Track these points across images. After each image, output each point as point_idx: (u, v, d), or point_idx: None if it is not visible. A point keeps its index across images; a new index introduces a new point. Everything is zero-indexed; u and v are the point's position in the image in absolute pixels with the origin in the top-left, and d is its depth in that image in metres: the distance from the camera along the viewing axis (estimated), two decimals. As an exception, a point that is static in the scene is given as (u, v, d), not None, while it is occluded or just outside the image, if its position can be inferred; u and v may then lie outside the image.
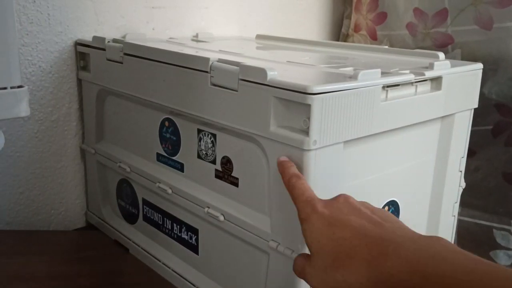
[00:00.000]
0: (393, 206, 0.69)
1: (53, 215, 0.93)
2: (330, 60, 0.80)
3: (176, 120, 0.73)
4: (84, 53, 0.88)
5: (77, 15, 0.88)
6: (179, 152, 0.74)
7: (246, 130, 0.60)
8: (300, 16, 1.27)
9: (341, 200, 0.48)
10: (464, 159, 0.78)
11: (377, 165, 0.65)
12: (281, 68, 0.63)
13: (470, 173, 1.05)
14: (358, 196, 0.63)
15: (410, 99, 0.65)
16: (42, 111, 0.87)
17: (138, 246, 0.82)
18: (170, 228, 0.77)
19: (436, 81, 0.69)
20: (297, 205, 0.49)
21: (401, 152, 0.68)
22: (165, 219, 0.78)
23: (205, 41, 0.95)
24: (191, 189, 0.71)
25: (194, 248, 0.73)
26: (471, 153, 1.01)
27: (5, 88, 0.53)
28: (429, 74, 0.67)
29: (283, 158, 0.55)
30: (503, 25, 0.99)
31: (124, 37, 0.87)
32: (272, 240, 0.60)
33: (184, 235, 0.75)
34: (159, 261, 0.78)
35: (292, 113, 0.56)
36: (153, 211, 0.80)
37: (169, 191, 0.74)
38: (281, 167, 0.55)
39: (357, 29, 1.28)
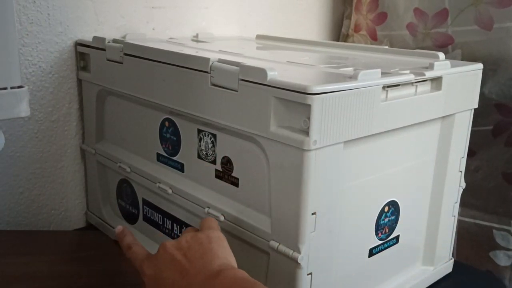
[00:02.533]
0: (393, 206, 0.69)
1: (53, 215, 0.93)
2: (330, 60, 0.80)
3: (176, 120, 0.73)
4: (84, 53, 0.88)
5: (77, 15, 0.88)
6: (179, 152, 0.74)
7: (246, 130, 0.60)
8: (300, 16, 1.27)
9: (159, 254, 0.54)
10: (464, 159, 0.78)
11: (377, 165, 0.65)
12: (281, 68, 0.63)
13: (470, 173, 1.05)
14: (358, 196, 0.63)
15: (410, 99, 0.65)
16: (42, 111, 0.87)
17: (138, 246, 0.82)
18: (170, 228, 0.77)
19: (436, 81, 0.69)
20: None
21: (401, 152, 0.68)
22: (165, 219, 0.78)
23: (205, 41, 0.95)
24: (191, 189, 0.71)
25: (194, 248, 0.73)
26: (471, 153, 1.01)
27: (5, 88, 0.53)
28: (429, 74, 0.67)
29: (118, 230, 0.63)
30: (503, 25, 0.99)
31: (124, 37, 0.87)
32: (273, 240, 0.60)
33: (184, 235, 0.75)
34: (159, 261, 0.78)
35: (292, 113, 0.56)
36: (153, 211, 0.80)
37: (169, 191, 0.74)
38: (118, 240, 0.62)
39: (357, 29, 1.28)
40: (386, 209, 0.68)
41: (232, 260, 0.54)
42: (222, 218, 0.66)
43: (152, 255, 0.56)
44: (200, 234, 0.55)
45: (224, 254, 0.53)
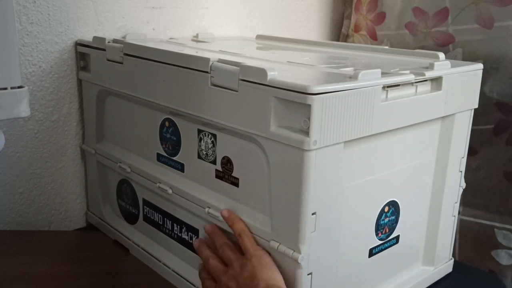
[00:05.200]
0: (393, 206, 0.69)
1: (53, 215, 0.93)
2: (330, 60, 0.80)
3: (176, 120, 0.73)
4: (84, 53, 0.88)
5: (78, 15, 0.88)
6: (180, 152, 0.74)
7: (246, 130, 0.60)
8: (300, 17, 1.27)
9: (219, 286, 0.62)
10: (464, 159, 0.78)
11: (377, 165, 0.65)
12: (281, 68, 0.63)
13: (471, 172, 1.05)
14: (358, 196, 0.63)
15: (410, 99, 0.65)
16: (43, 111, 0.87)
17: (138, 246, 0.82)
18: (170, 228, 0.77)
19: (436, 81, 0.69)
20: None
21: (401, 152, 0.68)
22: (165, 219, 0.78)
23: (205, 41, 0.95)
24: (191, 189, 0.71)
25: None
26: (472, 152, 1.01)
27: (5, 89, 0.53)
28: (429, 74, 0.67)
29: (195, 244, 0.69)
30: (504, 23, 0.98)
31: (124, 37, 0.87)
32: (273, 240, 0.60)
33: (184, 235, 0.75)
34: (159, 261, 0.78)
35: (292, 113, 0.56)
36: (153, 211, 0.80)
37: (170, 191, 0.74)
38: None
39: (357, 29, 1.27)
40: (386, 209, 0.68)
41: (277, 277, 0.58)
42: (222, 218, 0.66)
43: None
44: (246, 261, 0.60)
45: (267, 274, 0.58)
